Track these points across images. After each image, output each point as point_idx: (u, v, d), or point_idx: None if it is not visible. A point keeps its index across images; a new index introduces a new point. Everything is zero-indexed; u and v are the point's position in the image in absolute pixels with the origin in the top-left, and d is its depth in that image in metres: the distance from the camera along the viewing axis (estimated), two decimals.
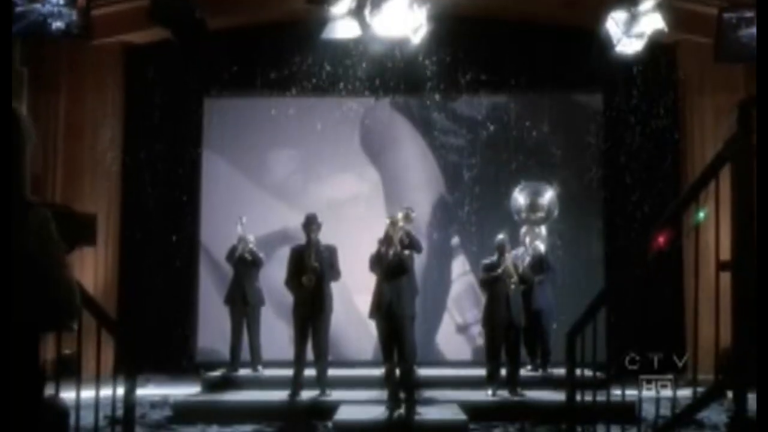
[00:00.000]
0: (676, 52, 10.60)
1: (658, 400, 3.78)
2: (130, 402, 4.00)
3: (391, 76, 10.49)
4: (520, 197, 8.90)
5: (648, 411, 5.10)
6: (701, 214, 3.12)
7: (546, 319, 8.50)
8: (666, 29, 8.72)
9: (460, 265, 10.71)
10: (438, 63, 10.36)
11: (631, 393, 4.24)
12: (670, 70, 10.57)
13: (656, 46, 9.76)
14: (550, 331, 8.51)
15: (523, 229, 8.73)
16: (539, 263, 8.44)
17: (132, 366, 4.04)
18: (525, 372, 8.21)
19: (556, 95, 11.00)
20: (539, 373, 8.40)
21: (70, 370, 4.48)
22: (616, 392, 4.64)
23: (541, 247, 8.63)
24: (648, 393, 4.03)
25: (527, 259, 8.37)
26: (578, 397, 4.25)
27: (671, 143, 10.69)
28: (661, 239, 3.37)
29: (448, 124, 10.88)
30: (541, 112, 11.00)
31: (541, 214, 8.80)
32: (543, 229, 8.87)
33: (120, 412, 4.01)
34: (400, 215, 7.32)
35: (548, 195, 8.87)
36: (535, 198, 8.83)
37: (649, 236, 3.48)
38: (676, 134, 10.70)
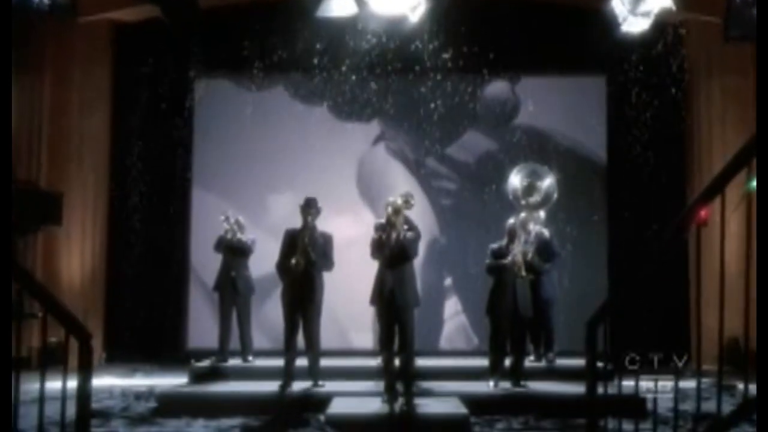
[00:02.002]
0: (684, 32, 10.31)
1: (698, 400, 3.46)
2: (83, 395, 3.71)
3: (388, 54, 10.17)
4: (515, 180, 8.55)
5: (661, 407, 4.81)
6: (753, 183, 2.75)
7: (551, 309, 8.18)
8: (673, 8, 8.47)
9: (452, 306, 10.75)
10: (436, 42, 10.03)
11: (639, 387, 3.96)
12: (677, 50, 10.28)
13: (663, 26, 9.49)
14: (555, 321, 8.21)
15: (522, 215, 8.35)
16: (544, 250, 8.08)
17: (87, 356, 3.73)
18: (528, 362, 7.89)
19: (559, 76, 10.68)
20: (543, 363, 8.09)
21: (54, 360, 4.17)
22: (624, 384, 4.34)
23: (546, 232, 8.29)
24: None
25: (531, 247, 7.99)
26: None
27: (678, 125, 10.47)
28: (703, 213, 3.02)
29: (441, 168, 10.91)
30: (542, 94, 10.73)
31: (537, 198, 8.43)
32: (542, 214, 8.51)
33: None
34: (400, 201, 6.97)
35: (547, 179, 8.51)
36: (532, 180, 8.48)
37: (689, 211, 3.11)
38: (683, 116, 10.47)
